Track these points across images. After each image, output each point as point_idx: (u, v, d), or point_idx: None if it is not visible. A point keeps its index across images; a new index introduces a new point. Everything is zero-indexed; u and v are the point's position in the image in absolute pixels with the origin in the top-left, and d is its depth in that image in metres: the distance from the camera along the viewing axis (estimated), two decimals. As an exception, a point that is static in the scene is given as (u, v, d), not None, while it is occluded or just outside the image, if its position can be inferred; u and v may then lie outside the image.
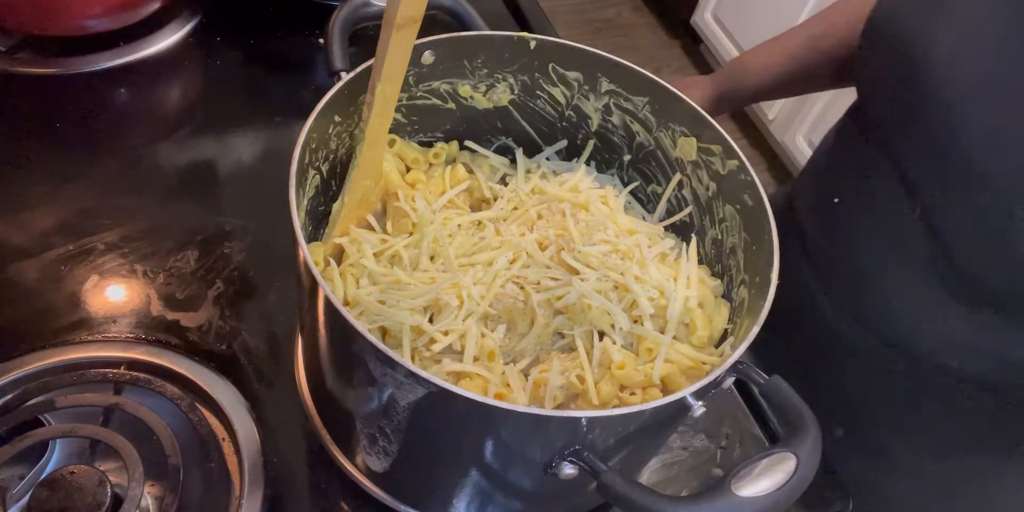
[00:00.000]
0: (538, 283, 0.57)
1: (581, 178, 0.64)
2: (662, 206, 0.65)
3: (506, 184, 0.65)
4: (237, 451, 0.60)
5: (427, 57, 0.59)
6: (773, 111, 2.10)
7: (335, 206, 0.58)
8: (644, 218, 0.66)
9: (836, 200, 0.69)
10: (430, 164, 0.65)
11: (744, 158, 0.56)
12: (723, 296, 0.59)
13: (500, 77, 0.63)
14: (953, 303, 0.61)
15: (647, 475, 0.66)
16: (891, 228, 0.63)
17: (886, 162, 0.63)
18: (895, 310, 0.65)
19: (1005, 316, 0.60)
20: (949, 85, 0.56)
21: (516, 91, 0.64)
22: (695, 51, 2.48)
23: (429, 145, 0.67)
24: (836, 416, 0.71)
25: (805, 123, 1.99)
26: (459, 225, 0.60)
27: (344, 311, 0.43)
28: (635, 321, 0.56)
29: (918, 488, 0.74)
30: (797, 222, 0.74)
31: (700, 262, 0.61)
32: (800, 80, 0.81)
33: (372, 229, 0.61)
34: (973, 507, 0.75)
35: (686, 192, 0.63)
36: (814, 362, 0.74)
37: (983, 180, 0.54)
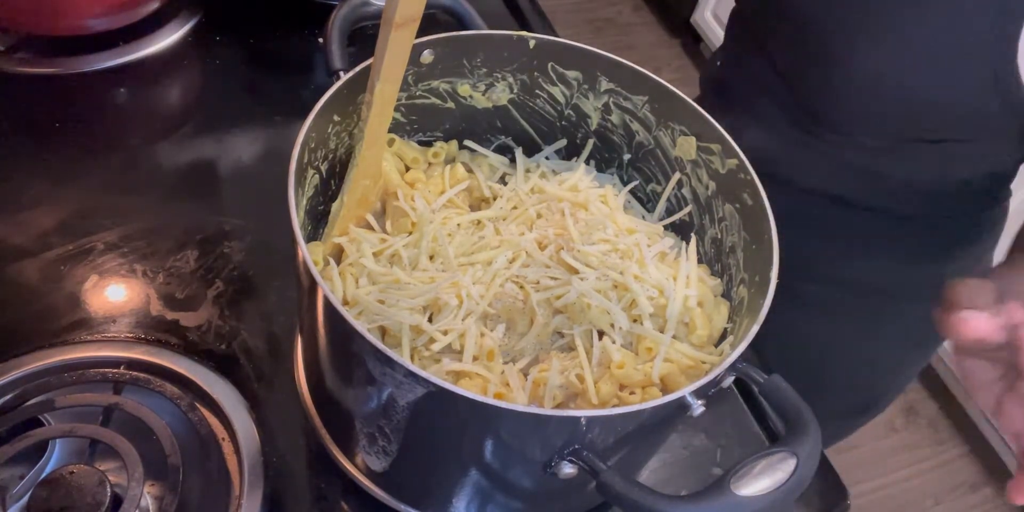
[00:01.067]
0: (537, 282, 0.57)
1: (580, 177, 0.64)
2: (661, 205, 0.65)
3: (505, 183, 0.65)
4: (237, 451, 0.60)
5: (426, 56, 0.59)
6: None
7: (334, 205, 0.58)
8: (644, 217, 0.66)
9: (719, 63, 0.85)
10: (429, 163, 0.65)
11: (743, 157, 0.56)
12: (723, 295, 0.59)
13: (499, 76, 0.63)
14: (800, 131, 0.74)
15: (647, 474, 0.66)
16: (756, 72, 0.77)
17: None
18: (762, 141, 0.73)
19: (840, 137, 0.72)
20: None
21: (515, 90, 0.64)
22: (695, 50, 2.48)
23: (428, 144, 0.67)
24: None
25: (805, 122, 1.98)
26: (458, 224, 0.60)
27: (343, 311, 0.43)
28: (635, 320, 0.56)
29: (804, 314, 0.80)
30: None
31: (700, 261, 0.61)
32: None
33: (371, 228, 0.61)
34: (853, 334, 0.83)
35: (685, 191, 0.63)
36: None
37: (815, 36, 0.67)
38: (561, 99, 0.64)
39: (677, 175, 0.63)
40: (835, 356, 0.85)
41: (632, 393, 0.53)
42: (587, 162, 0.67)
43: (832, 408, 0.77)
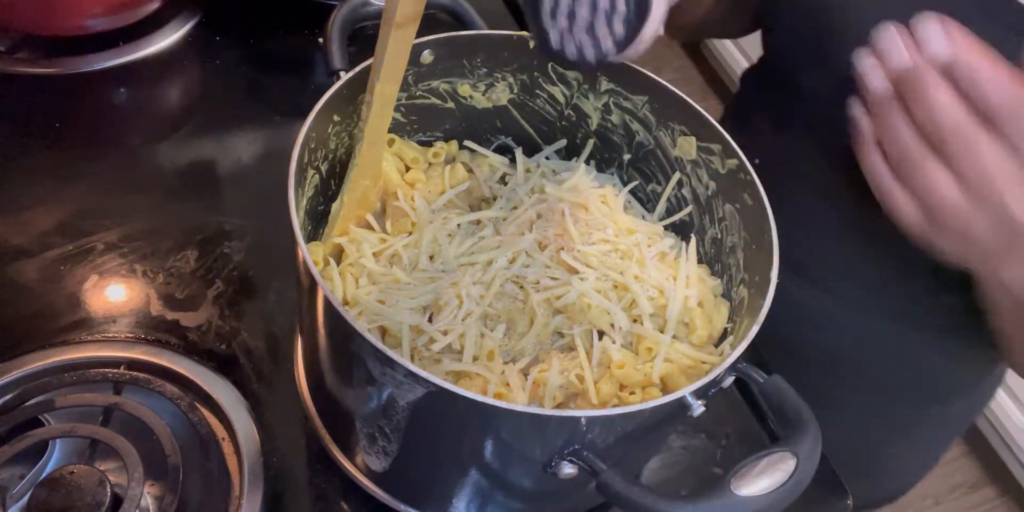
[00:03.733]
0: (537, 282, 0.57)
1: (581, 177, 0.64)
2: (662, 205, 0.65)
3: (505, 183, 0.65)
4: (237, 451, 0.60)
5: (426, 56, 0.59)
6: (773, 110, 2.10)
7: (334, 206, 0.58)
8: (644, 217, 0.66)
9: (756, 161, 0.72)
10: (429, 163, 0.65)
11: (744, 157, 0.56)
12: (723, 295, 0.59)
13: (499, 76, 0.63)
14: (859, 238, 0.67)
15: (647, 474, 0.66)
16: (808, 174, 0.68)
17: (798, 106, 0.67)
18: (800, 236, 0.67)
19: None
20: (859, 35, 0.55)
21: (515, 90, 0.64)
22: (695, 50, 2.48)
23: (428, 144, 0.67)
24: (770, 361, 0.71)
25: (805, 122, 1.98)
26: (458, 225, 0.60)
27: (343, 311, 0.43)
28: (635, 320, 0.56)
29: (848, 425, 0.76)
30: None
31: (700, 261, 0.61)
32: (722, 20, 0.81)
33: (371, 228, 0.61)
34: (896, 442, 0.81)
35: (686, 191, 0.63)
36: None
37: None
38: (561, 99, 0.64)
39: (677, 175, 0.63)
40: (866, 457, 0.82)
41: (632, 393, 0.53)
42: (587, 162, 0.67)
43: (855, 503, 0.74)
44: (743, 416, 0.70)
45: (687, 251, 0.60)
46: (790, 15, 0.66)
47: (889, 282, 0.69)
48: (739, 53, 2.19)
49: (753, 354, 0.48)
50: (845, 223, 0.69)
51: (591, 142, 0.67)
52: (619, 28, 0.43)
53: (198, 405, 0.61)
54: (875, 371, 0.76)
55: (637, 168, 0.66)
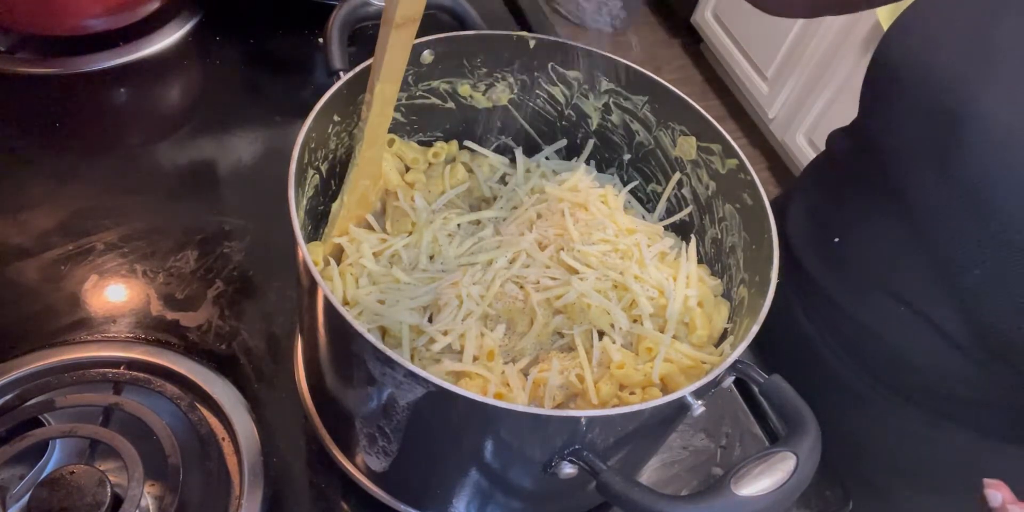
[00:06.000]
0: (537, 282, 0.57)
1: (581, 177, 0.64)
2: (662, 205, 0.65)
3: (505, 183, 0.65)
4: (237, 451, 0.60)
5: (426, 56, 0.59)
6: (773, 110, 2.10)
7: (334, 206, 0.58)
8: (644, 217, 0.66)
9: (836, 240, 0.68)
10: (429, 163, 0.65)
11: (743, 157, 0.56)
12: (723, 295, 0.59)
13: (499, 76, 0.63)
14: (959, 355, 0.61)
15: (647, 474, 0.66)
16: (899, 275, 0.62)
17: (896, 205, 0.61)
18: (899, 354, 0.65)
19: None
20: (988, 145, 0.53)
21: (515, 90, 0.64)
22: (695, 50, 2.48)
23: (428, 144, 0.67)
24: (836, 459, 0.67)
25: (805, 122, 1.99)
26: (458, 225, 0.60)
27: (343, 311, 0.43)
28: (635, 320, 0.56)
29: None
30: (788, 251, 0.71)
31: (700, 261, 0.61)
32: None
33: (371, 229, 0.61)
34: None
35: (686, 191, 0.63)
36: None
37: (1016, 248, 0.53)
38: (561, 99, 0.64)
39: (677, 175, 0.63)
40: None
41: (632, 393, 0.53)
42: (587, 162, 0.67)
43: None
44: (743, 416, 0.70)
45: (687, 251, 0.60)
46: (907, 119, 0.60)
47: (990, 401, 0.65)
48: (739, 53, 2.20)
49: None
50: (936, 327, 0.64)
51: (591, 142, 0.67)
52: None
53: (198, 405, 0.61)
54: (940, 472, 0.72)
55: (637, 168, 0.66)
